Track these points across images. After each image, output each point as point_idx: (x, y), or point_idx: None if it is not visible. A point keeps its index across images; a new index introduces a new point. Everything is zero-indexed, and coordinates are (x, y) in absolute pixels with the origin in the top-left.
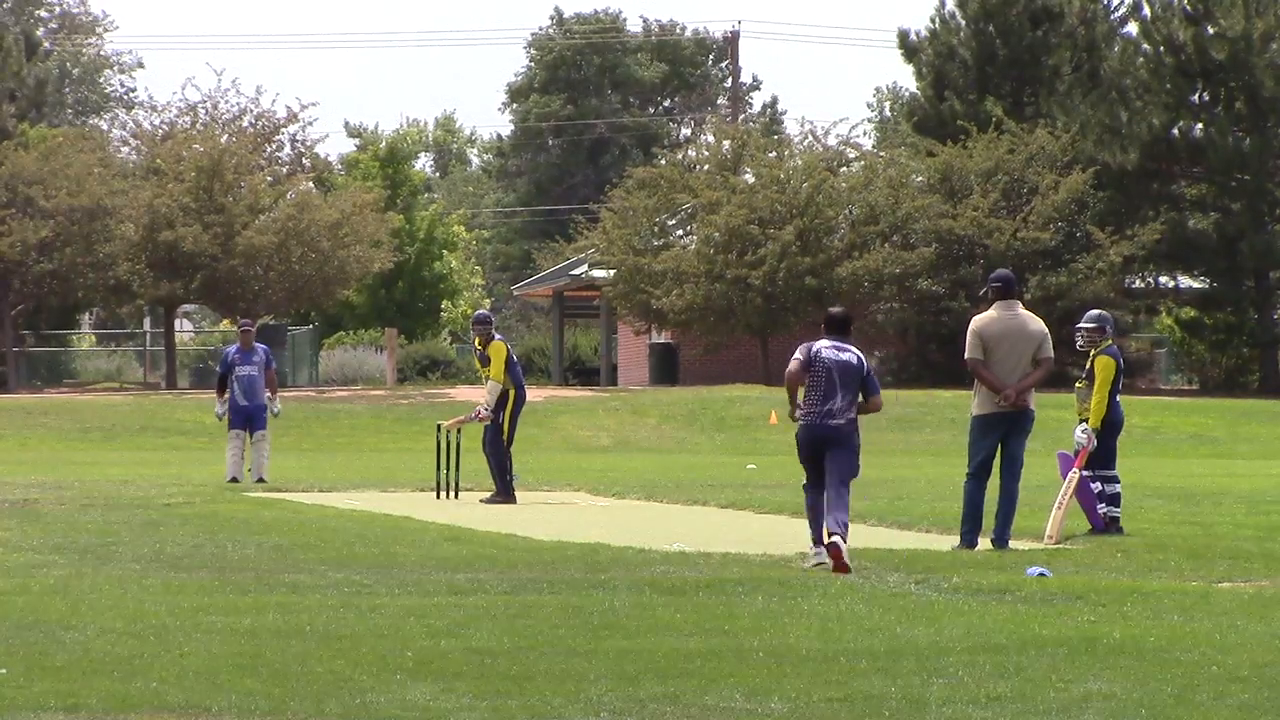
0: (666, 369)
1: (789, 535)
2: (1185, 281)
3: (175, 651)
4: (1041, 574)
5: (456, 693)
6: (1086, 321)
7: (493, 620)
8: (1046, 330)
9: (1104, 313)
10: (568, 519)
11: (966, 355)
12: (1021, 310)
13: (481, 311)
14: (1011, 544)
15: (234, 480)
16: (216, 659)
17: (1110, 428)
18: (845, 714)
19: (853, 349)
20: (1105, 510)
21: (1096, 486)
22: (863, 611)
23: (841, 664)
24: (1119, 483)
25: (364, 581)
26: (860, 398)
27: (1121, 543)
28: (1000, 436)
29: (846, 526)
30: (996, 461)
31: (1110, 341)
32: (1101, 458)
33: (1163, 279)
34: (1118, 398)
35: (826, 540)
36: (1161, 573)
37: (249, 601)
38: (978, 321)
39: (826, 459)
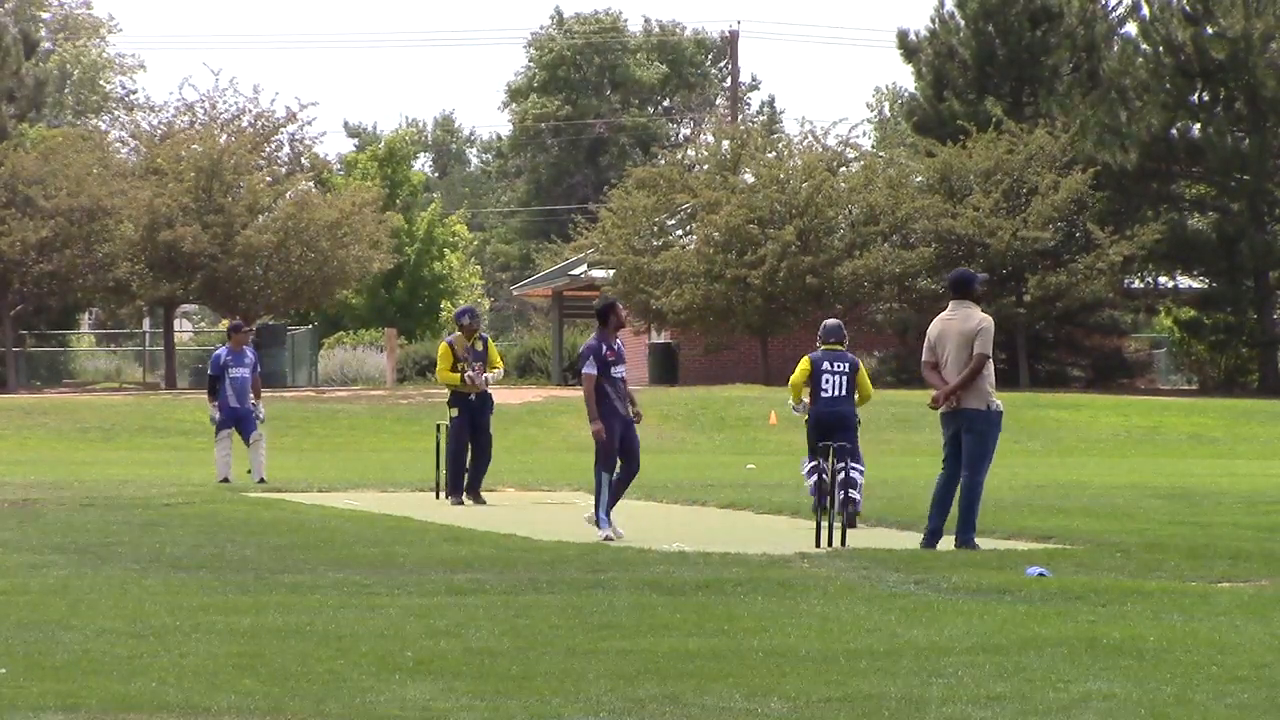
0: (666, 369)
1: (789, 535)
2: (1185, 281)
3: (175, 651)
4: (1041, 574)
5: (456, 693)
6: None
7: (493, 620)
8: (983, 326)
9: (837, 322)
10: (568, 519)
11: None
12: (967, 309)
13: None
14: (1011, 544)
15: (225, 480)
16: (216, 659)
17: (812, 421)
18: (845, 714)
19: (618, 340)
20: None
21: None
22: (862, 611)
23: (841, 664)
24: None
25: (364, 581)
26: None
27: (1121, 542)
28: (957, 434)
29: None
30: None
31: (828, 346)
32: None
33: (1162, 279)
34: (822, 394)
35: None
36: (1161, 573)
37: (249, 601)
38: (932, 325)
39: (625, 446)
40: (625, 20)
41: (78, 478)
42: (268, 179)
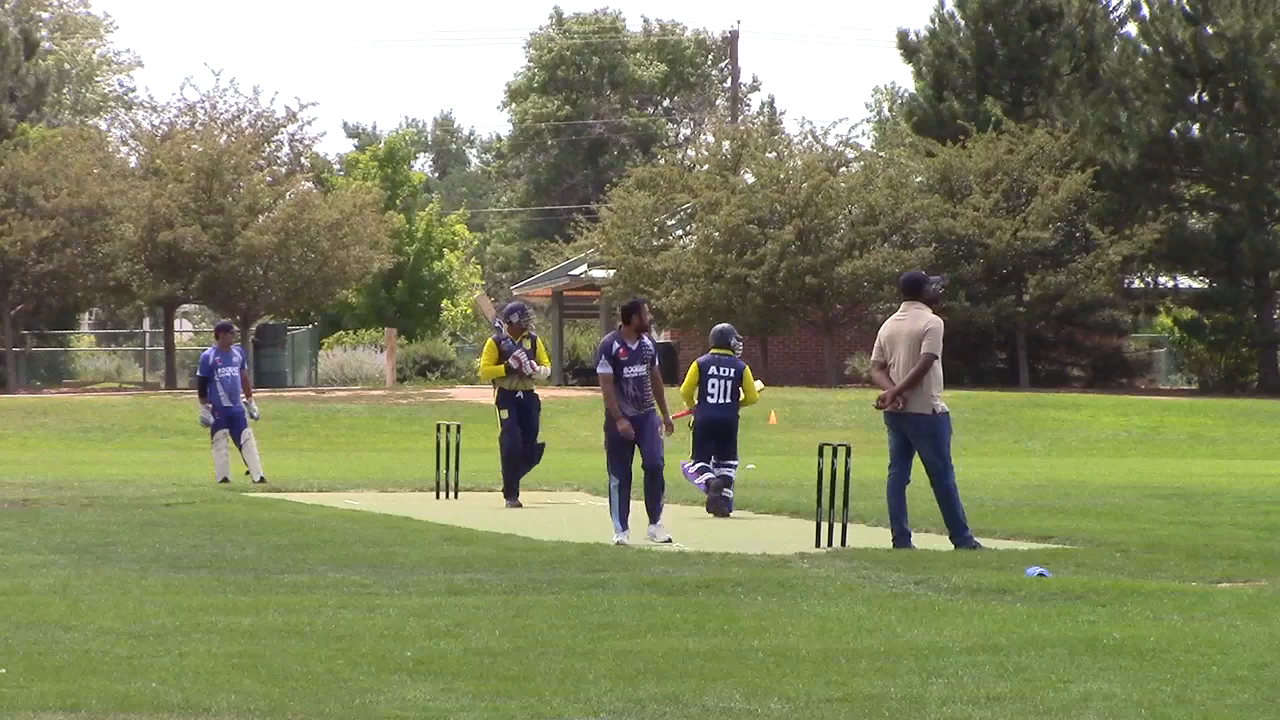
0: (666, 369)
1: (789, 535)
2: (1184, 281)
3: (175, 651)
4: (1041, 574)
5: (456, 693)
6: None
7: (493, 620)
8: (931, 327)
9: (727, 326)
10: (568, 519)
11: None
12: (917, 310)
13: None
14: (1011, 544)
15: (225, 481)
16: (216, 659)
17: (698, 425)
18: (845, 714)
19: (641, 340)
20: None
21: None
22: (862, 611)
23: (841, 664)
24: (711, 473)
25: (364, 581)
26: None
27: (1121, 542)
28: (902, 436)
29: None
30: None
31: (716, 350)
32: (701, 453)
33: (1162, 279)
34: (708, 399)
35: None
36: (1161, 573)
37: (249, 601)
38: (883, 326)
39: (639, 447)
40: (625, 20)
41: (78, 478)
42: (268, 179)
